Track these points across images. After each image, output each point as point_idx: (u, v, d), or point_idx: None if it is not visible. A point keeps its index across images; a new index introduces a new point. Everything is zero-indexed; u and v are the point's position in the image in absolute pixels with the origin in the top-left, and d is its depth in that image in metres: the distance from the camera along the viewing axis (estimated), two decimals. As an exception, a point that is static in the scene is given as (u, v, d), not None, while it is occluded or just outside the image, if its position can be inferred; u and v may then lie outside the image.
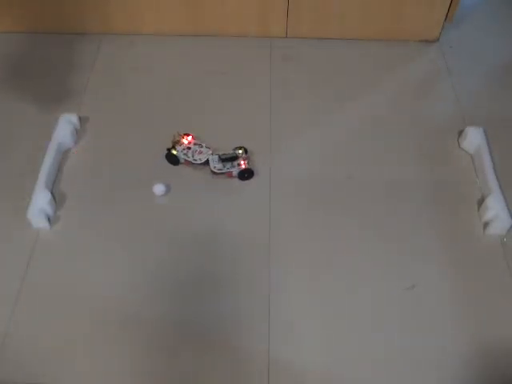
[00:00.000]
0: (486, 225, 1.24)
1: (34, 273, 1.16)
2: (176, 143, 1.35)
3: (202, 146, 1.35)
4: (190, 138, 1.36)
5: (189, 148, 1.34)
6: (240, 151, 1.34)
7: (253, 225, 1.25)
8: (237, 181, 1.32)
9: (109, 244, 1.22)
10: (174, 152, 1.33)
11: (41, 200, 1.23)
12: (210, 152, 1.33)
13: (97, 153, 1.39)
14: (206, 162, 1.32)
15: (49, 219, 1.24)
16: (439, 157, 1.39)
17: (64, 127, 1.39)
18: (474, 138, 1.38)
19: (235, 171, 1.31)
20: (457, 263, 1.19)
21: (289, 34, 1.70)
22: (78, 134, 1.43)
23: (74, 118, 1.42)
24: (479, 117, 1.48)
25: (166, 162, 1.36)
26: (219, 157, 1.32)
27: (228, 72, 1.60)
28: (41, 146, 1.36)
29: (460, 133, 1.43)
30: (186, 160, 1.33)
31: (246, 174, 1.32)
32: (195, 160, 1.32)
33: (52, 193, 1.27)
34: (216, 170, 1.31)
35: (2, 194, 1.30)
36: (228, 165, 1.31)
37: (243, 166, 1.31)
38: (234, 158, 1.32)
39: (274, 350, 1.06)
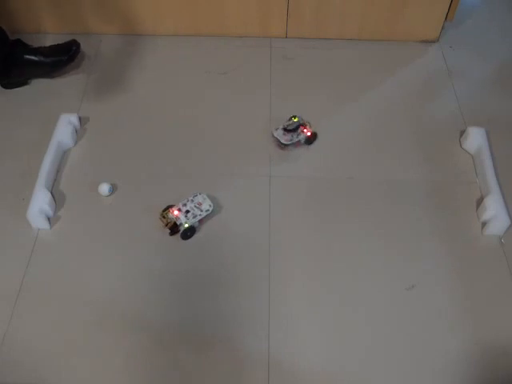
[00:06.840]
0: (484, 225, 1.24)
1: (33, 273, 1.16)
2: (169, 222, 1.21)
3: (195, 201, 1.22)
4: (176, 211, 1.19)
5: (188, 211, 1.20)
6: (296, 119, 1.37)
7: (253, 225, 1.25)
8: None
9: (109, 244, 1.21)
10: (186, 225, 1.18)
11: (41, 200, 1.23)
12: (210, 203, 1.22)
13: (97, 153, 1.40)
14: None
15: (49, 219, 1.24)
16: (440, 157, 1.39)
17: (64, 127, 1.39)
18: (475, 138, 1.38)
19: (302, 139, 1.38)
20: (456, 263, 1.19)
21: (289, 34, 1.70)
22: (78, 134, 1.43)
23: (73, 118, 1.42)
24: (479, 117, 1.48)
25: (166, 162, 1.36)
26: (284, 129, 1.36)
27: (228, 72, 1.61)
28: (41, 146, 1.36)
29: (461, 133, 1.43)
30: None
31: (312, 139, 1.39)
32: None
33: (52, 193, 1.27)
34: (286, 142, 1.35)
35: (2, 194, 1.30)
36: (294, 135, 1.36)
37: (308, 133, 1.36)
38: (297, 128, 1.36)
39: (274, 350, 1.06)
